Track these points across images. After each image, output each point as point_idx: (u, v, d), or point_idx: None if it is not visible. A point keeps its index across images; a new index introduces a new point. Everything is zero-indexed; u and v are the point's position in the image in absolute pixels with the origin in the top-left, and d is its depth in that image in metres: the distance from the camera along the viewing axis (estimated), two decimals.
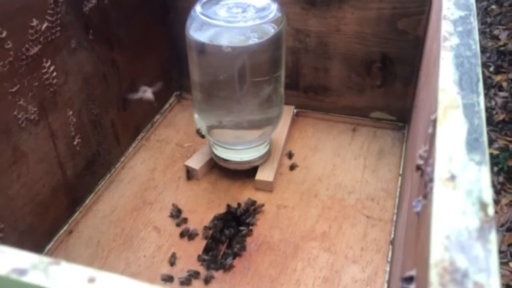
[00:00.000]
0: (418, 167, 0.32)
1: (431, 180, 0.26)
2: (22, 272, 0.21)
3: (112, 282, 0.20)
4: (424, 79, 0.52)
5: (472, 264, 0.20)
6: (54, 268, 0.21)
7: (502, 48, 2.06)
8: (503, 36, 2.15)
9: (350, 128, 0.86)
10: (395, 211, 0.69)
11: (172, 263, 0.63)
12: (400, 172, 0.76)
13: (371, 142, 0.83)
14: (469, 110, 0.29)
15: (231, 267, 0.63)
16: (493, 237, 0.21)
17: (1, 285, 0.21)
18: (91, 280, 0.20)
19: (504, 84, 1.82)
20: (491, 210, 0.23)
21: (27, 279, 0.20)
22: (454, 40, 0.37)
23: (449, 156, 0.26)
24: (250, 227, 0.68)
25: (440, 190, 0.24)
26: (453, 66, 0.34)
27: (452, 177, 0.25)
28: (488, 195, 0.24)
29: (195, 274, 0.62)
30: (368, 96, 0.83)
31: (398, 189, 0.73)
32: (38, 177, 0.61)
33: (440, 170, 0.25)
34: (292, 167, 0.77)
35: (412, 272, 0.26)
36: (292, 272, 0.62)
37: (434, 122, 0.30)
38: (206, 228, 0.68)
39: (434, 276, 0.20)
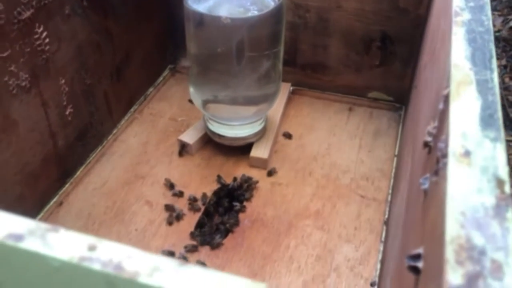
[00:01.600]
0: (426, 144, 0.31)
1: (444, 155, 0.25)
2: (19, 238, 0.20)
3: (114, 250, 0.19)
4: (428, 58, 0.51)
5: (489, 242, 0.20)
6: (52, 235, 0.20)
7: (496, 34, 2.05)
8: (498, 22, 2.14)
9: (346, 108, 0.85)
10: (390, 191, 0.69)
11: (170, 222, 0.64)
12: (396, 153, 0.75)
13: (367, 122, 0.82)
14: (482, 86, 0.28)
15: (222, 243, 0.62)
16: (510, 215, 0.21)
17: None
18: (92, 248, 0.19)
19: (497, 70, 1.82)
20: (507, 188, 0.22)
21: (24, 245, 0.19)
22: (466, 16, 0.35)
23: (463, 132, 0.25)
24: (244, 204, 0.67)
25: (454, 166, 0.23)
26: (465, 42, 0.33)
27: (467, 153, 0.24)
28: (504, 172, 0.23)
29: (193, 248, 0.61)
30: (366, 76, 0.82)
31: (394, 170, 0.72)
32: (29, 146, 0.60)
33: (454, 145, 0.24)
34: (270, 173, 0.72)
35: (420, 250, 0.25)
36: (285, 249, 0.62)
37: (446, 98, 0.29)
38: (198, 203, 0.67)
39: (450, 253, 0.19)
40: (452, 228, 0.20)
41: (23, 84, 0.56)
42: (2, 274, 0.20)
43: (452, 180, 0.23)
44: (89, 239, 0.20)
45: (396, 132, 0.80)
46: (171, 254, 0.60)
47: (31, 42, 0.57)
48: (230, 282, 0.18)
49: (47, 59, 0.60)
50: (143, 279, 0.18)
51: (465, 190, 0.22)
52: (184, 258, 0.60)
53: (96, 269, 0.19)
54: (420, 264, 0.25)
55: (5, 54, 0.53)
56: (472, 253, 0.19)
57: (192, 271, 0.18)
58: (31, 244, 0.19)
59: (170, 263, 0.18)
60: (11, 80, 0.55)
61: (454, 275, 0.18)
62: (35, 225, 0.20)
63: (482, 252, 0.19)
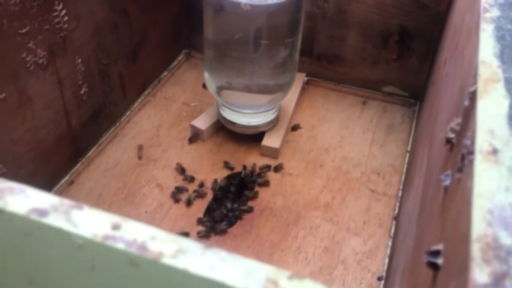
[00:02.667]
0: (448, 140, 0.31)
1: (470, 152, 0.24)
2: (43, 213, 0.20)
3: (138, 230, 0.19)
4: (449, 54, 0.51)
5: None
6: (76, 212, 0.20)
7: None
8: None
9: (360, 101, 0.84)
10: (401, 187, 0.69)
11: (178, 200, 0.65)
12: (409, 149, 0.75)
13: (381, 116, 0.81)
14: (511, 84, 0.28)
15: (231, 230, 0.62)
16: None
17: (21, 225, 0.19)
18: (116, 227, 0.19)
19: None
20: None
21: (48, 221, 0.19)
22: (495, 12, 0.35)
23: (490, 130, 0.25)
24: (254, 191, 0.67)
25: (481, 164, 0.23)
26: (494, 39, 0.32)
27: (494, 151, 0.24)
28: None
29: (203, 234, 0.61)
30: (382, 69, 0.81)
31: (405, 166, 0.72)
32: (43, 124, 0.60)
33: (481, 143, 0.24)
34: (277, 168, 0.71)
35: (439, 247, 0.25)
36: (293, 240, 0.62)
37: (472, 95, 0.28)
38: (208, 189, 0.67)
39: (476, 251, 0.19)
40: (479, 226, 0.20)
41: (40, 61, 0.56)
42: (25, 249, 0.20)
43: (478, 177, 0.22)
44: (113, 218, 0.20)
45: (409, 128, 0.79)
46: (185, 235, 0.60)
47: (50, 20, 0.56)
48: (254, 268, 0.17)
49: (65, 38, 0.59)
50: (167, 260, 0.18)
51: (492, 188, 0.22)
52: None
53: (120, 248, 0.19)
54: (439, 261, 0.25)
55: (24, 31, 0.53)
56: (499, 252, 0.19)
57: (218, 255, 0.18)
58: (55, 220, 0.19)
59: (195, 246, 0.18)
60: (28, 56, 0.54)
61: (480, 273, 0.18)
62: (59, 201, 0.20)
63: (510, 252, 0.19)
